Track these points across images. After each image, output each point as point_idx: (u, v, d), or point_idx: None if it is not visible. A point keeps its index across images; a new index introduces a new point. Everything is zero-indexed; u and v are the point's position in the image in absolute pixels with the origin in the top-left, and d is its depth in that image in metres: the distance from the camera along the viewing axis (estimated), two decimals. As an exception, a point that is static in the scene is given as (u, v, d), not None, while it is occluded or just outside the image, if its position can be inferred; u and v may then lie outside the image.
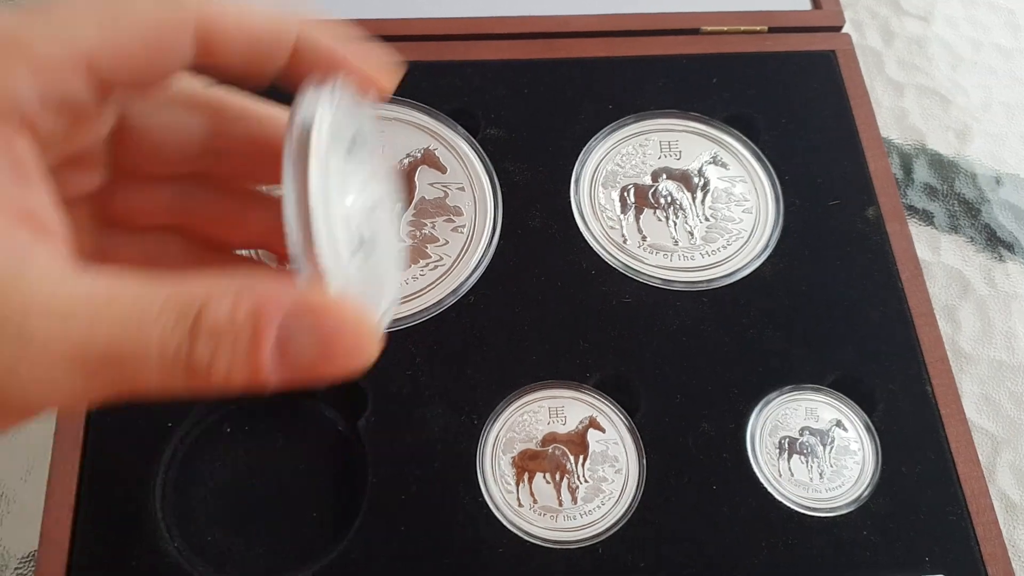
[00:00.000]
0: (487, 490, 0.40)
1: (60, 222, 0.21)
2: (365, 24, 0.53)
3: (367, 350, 0.20)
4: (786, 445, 0.42)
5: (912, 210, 0.53)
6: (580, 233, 0.46)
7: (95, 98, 0.21)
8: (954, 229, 0.52)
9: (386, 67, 0.24)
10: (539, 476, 0.40)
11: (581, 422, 0.41)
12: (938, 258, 0.51)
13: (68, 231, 0.21)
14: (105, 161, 0.25)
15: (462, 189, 0.46)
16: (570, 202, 0.46)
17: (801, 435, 0.43)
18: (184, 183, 0.26)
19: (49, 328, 0.18)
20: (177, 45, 0.21)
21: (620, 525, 0.39)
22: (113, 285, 0.19)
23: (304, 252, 0.20)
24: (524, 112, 0.49)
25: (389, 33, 0.50)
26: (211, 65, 0.22)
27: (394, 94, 0.27)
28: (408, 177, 0.46)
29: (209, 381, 0.19)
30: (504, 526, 0.39)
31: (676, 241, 0.46)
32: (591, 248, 0.45)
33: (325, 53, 0.23)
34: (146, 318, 0.18)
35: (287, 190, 0.20)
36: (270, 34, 0.22)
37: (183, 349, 0.18)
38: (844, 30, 0.53)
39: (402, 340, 0.43)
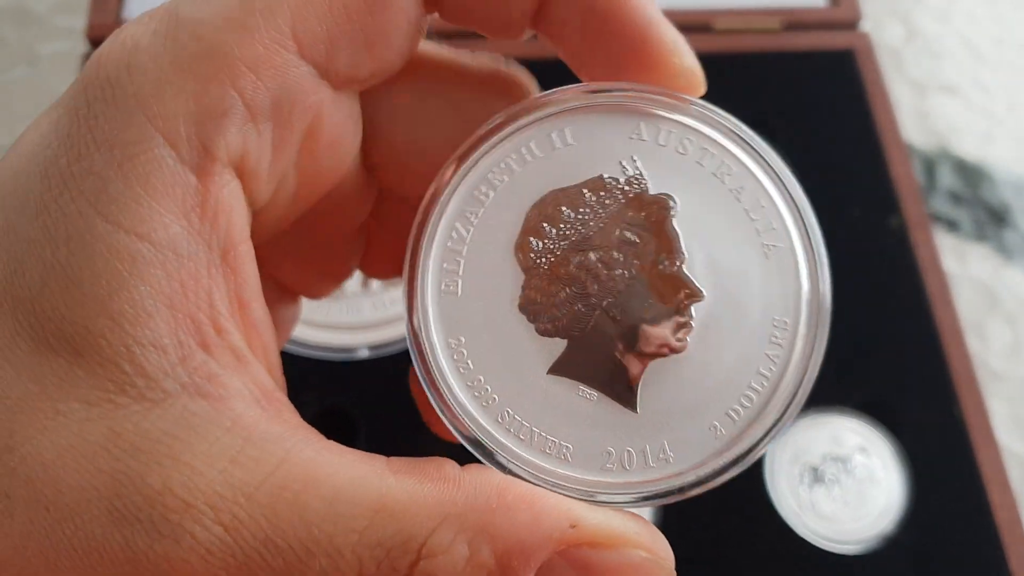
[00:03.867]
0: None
1: (264, 318, 0.16)
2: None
3: None
4: (808, 474, 0.40)
5: (936, 218, 0.50)
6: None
7: (320, 83, 0.16)
8: (980, 238, 0.49)
9: (683, 64, 0.17)
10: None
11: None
12: (964, 269, 0.48)
13: (270, 326, 0.16)
14: (365, 193, 0.20)
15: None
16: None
17: (824, 462, 0.40)
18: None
19: (211, 535, 0.13)
20: None
21: (632, 564, 0.37)
22: (306, 470, 0.14)
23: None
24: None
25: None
26: (445, 9, 0.17)
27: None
28: None
29: None
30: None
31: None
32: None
33: None
34: (340, 544, 0.13)
35: None
36: None
37: None
38: (862, 27, 0.50)
39: (393, 364, 0.40)
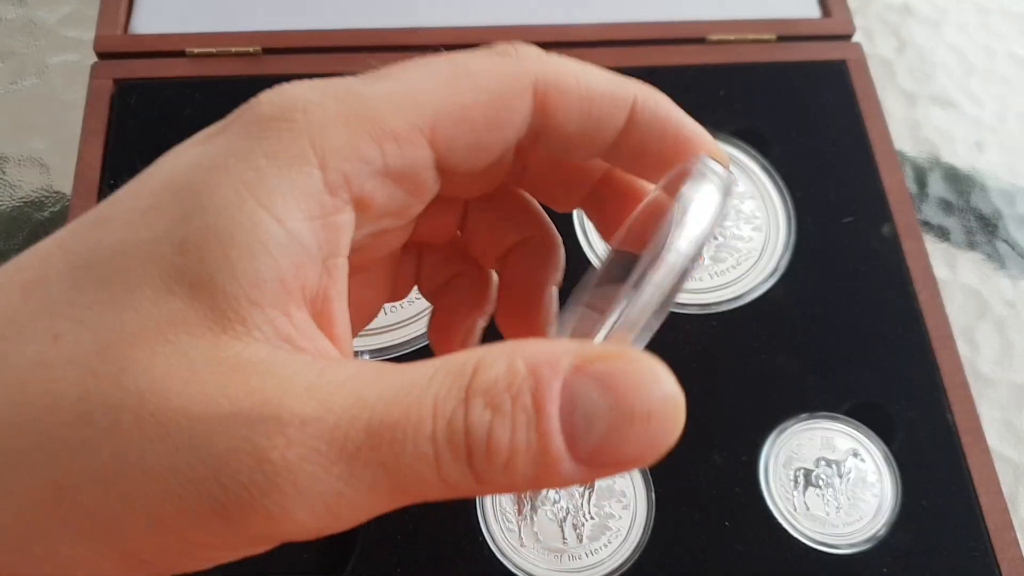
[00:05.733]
0: (487, 529, 0.37)
1: (345, 321, 0.20)
2: (363, 34, 0.52)
3: (670, 404, 0.16)
4: (801, 477, 0.40)
5: (927, 226, 0.51)
6: (582, 247, 0.44)
7: (433, 168, 0.20)
8: (971, 246, 0.50)
9: (722, 152, 0.23)
10: (542, 513, 0.38)
11: (586, 455, 0.39)
12: (955, 276, 0.49)
13: (348, 330, 0.20)
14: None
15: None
16: (571, 216, 0.45)
17: (817, 466, 0.40)
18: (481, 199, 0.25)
19: (307, 408, 0.16)
20: (516, 105, 0.20)
21: (628, 565, 0.37)
22: (381, 366, 0.17)
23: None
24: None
25: (387, 44, 0.48)
26: (545, 132, 0.21)
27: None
28: None
29: (487, 461, 0.16)
30: (506, 568, 0.37)
31: (683, 261, 0.44)
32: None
33: (665, 123, 0.22)
34: (418, 383, 0.16)
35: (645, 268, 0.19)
36: (608, 95, 0.21)
37: (458, 420, 0.16)
38: (855, 38, 0.51)
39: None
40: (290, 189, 0.17)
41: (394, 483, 0.16)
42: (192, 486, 0.15)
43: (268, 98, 0.19)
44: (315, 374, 0.16)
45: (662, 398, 0.16)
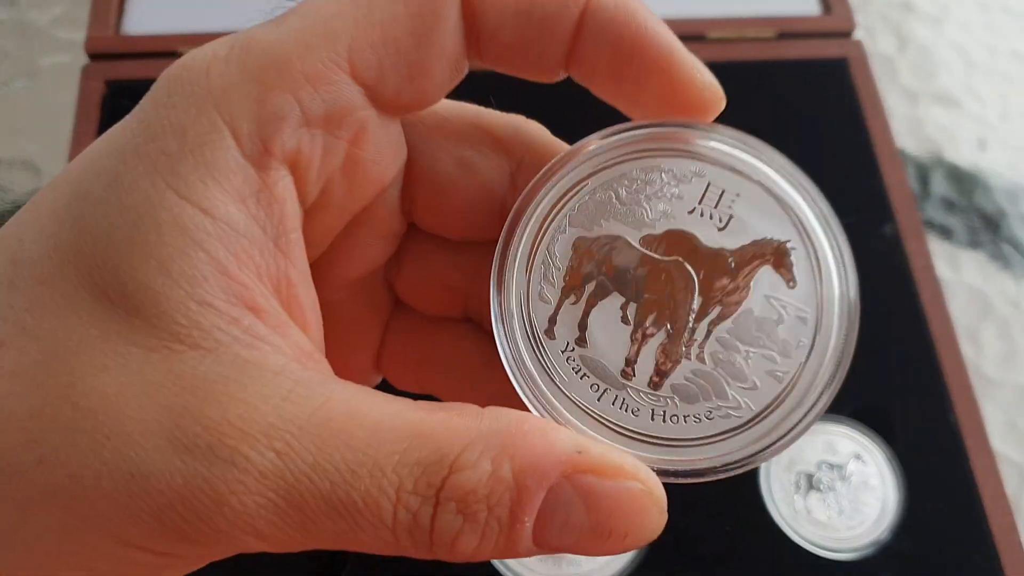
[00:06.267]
0: (485, 535, 0.37)
1: (312, 301, 0.18)
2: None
3: (650, 528, 0.16)
4: (803, 481, 0.40)
5: (930, 225, 0.50)
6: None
7: (368, 105, 0.18)
8: (974, 245, 0.49)
9: (705, 79, 0.19)
10: (541, 519, 0.38)
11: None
12: (958, 276, 0.49)
13: (317, 311, 0.18)
14: (396, 229, 0.22)
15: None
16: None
17: (819, 470, 0.40)
18: (479, 255, 0.22)
19: (265, 459, 0.15)
20: (442, 11, 0.18)
21: (628, 570, 0.37)
22: (349, 405, 0.16)
23: (530, 394, 0.18)
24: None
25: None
26: (480, 42, 0.19)
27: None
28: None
29: (450, 555, 0.16)
30: (505, 573, 0.36)
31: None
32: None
33: (622, 29, 0.18)
34: (383, 464, 0.15)
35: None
36: None
37: (424, 517, 0.15)
38: (856, 35, 0.51)
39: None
40: (208, 171, 0.16)
41: (334, 544, 0.16)
42: (154, 510, 0.15)
43: (181, 59, 0.17)
44: (280, 397, 0.15)
45: (645, 527, 0.16)
